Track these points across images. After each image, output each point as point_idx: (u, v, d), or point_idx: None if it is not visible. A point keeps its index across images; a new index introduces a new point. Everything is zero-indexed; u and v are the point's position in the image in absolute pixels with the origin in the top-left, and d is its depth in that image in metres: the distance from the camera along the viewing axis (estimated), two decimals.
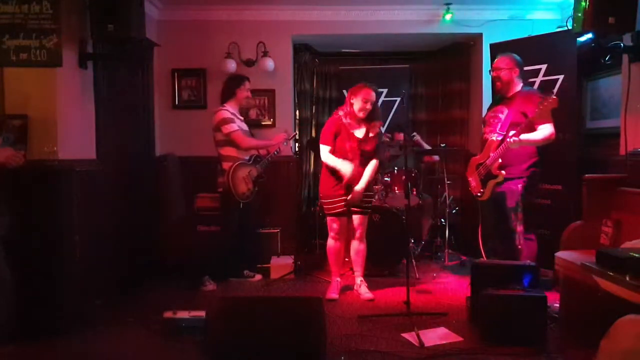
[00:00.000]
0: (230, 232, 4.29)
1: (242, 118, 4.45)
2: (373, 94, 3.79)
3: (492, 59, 4.75)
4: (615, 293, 2.13)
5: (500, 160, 3.63)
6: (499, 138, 3.65)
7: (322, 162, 3.95)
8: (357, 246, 4.01)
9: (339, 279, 4.05)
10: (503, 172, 3.64)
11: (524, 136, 3.49)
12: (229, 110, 4.27)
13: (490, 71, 3.85)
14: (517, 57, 3.78)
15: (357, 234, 3.98)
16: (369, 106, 3.76)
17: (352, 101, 3.80)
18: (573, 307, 3.11)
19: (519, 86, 3.75)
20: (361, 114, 3.78)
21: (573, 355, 2.81)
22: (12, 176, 2.86)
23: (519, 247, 3.66)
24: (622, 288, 1.98)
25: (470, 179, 3.92)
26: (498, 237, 3.84)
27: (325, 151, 3.88)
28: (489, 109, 3.94)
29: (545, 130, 3.54)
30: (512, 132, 3.54)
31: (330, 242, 3.99)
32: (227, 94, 4.35)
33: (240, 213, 4.29)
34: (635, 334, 1.73)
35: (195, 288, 4.14)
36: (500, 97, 3.86)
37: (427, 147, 5.34)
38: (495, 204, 3.76)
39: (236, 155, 4.23)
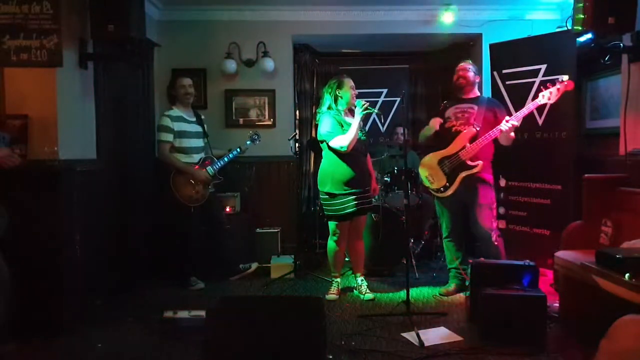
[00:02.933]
0: (183, 234, 4.21)
1: (193, 119, 4.32)
2: (352, 84, 3.85)
3: (492, 59, 4.79)
4: (615, 293, 2.13)
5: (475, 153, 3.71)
6: (477, 129, 3.71)
7: (325, 157, 3.84)
8: (357, 246, 3.99)
9: (339, 279, 4.05)
10: (480, 162, 3.69)
11: (513, 122, 3.61)
12: (173, 114, 4.17)
13: (455, 72, 3.95)
14: (473, 65, 3.99)
15: (359, 234, 3.97)
16: (355, 93, 3.81)
17: (339, 95, 3.77)
18: (573, 307, 3.12)
19: (477, 92, 3.96)
20: (358, 100, 3.73)
21: (573, 355, 2.81)
22: (12, 176, 2.86)
23: (496, 243, 3.74)
24: (622, 288, 1.99)
25: (427, 174, 3.93)
26: (476, 235, 3.89)
27: (334, 139, 3.70)
28: (446, 107, 3.97)
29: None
30: (507, 118, 3.65)
31: (332, 244, 3.90)
32: (170, 96, 4.34)
33: (201, 216, 4.25)
34: (635, 334, 1.74)
35: (185, 288, 4.16)
36: (458, 97, 3.94)
37: None
38: (462, 200, 3.80)
39: (181, 158, 4.15)
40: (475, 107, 3.82)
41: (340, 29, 5.27)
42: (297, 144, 4.83)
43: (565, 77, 3.60)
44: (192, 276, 4.24)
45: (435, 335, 3.12)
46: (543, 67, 4.40)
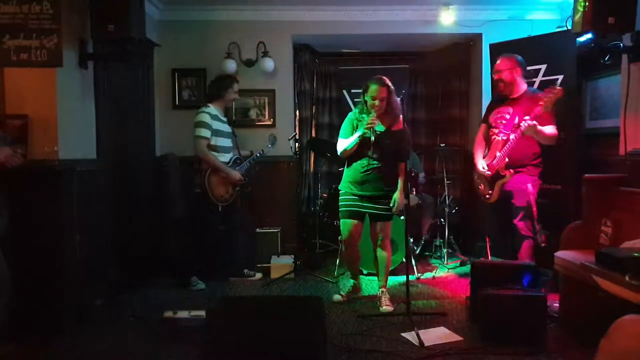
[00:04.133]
0: (205, 233, 4.24)
1: (225, 119, 4.41)
2: (381, 90, 3.60)
3: (492, 59, 4.76)
4: (615, 293, 2.13)
5: (507, 160, 3.67)
6: (504, 138, 3.68)
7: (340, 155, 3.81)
8: (376, 253, 3.82)
9: (352, 282, 3.94)
10: (511, 170, 3.68)
11: (538, 126, 3.52)
12: (211, 112, 4.22)
13: (492, 73, 3.84)
14: (519, 57, 3.78)
15: (377, 241, 3.79)
16: (377, 103, 3.59)
17: (365, 98, 3.68)
18: (573, 307, 3.12)
19: (523, 87, 3.78)
20: (373, 111, 3.60)
21: (573, 355, 2.81)
22: (12, 176, 2.86)
23: (542, 244, 3.72)
24: (622, 288, 1.99)
25: (479, 181, 3.93)
26: (513, 236, 3.82)
27: (340, 142, 3.73)
28: (490, 110, 3.93)
29: (551, 129, 3.61)
30: (526, 117, 3.55)
31: (341, 244, 3.82)
32: (214, 94, 4.34)
33: (223, 216, 4.28)
34: (635, 334, 1.73)
35: (185, 288, 4.17)
36: (502, 97, 3.86)
37: (420, 168, 5.29)
38: (504, 204, 3.79)
39: (215, 157, 4.18)
40: (511, 110, 3.72)
41: (340, 29, 5.27)
42: (297, 144, 4.83)
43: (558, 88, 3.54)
44: (194, 276, 4.24)
45: (435, 335, 3.12)
46: (543, 67, 4.39)
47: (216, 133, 4.21)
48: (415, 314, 3.38)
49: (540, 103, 3.49)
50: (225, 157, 4.27)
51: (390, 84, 3.67)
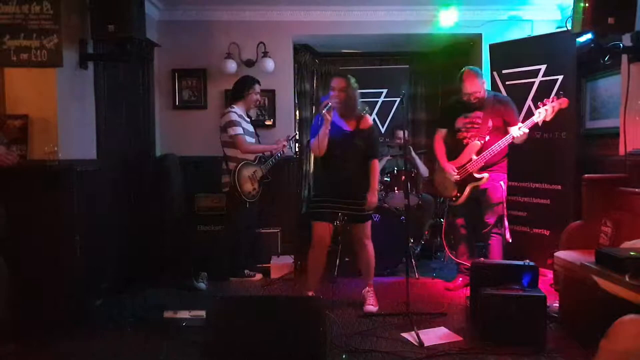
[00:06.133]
0: (236, 231, 4.34)
1: (249, 120, 4.48)
2: (338, 80, 3.52)
3: (492, 59, 4.79)
4: (615, 293, 2.13)
5: (482, 163, 3.79)
6: (482, 142, 3.78)
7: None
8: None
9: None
10: (486, 174, 3.80)
11: (524, 129, 3.67)
12: (237, 112, 4.29)
13: (464, 95, 3.82)
14: (476, 69, 3.91)
15: (357, 241, 3.74)
16: (335, 93, 3.49)
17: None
18: (573, 307, 3.12)
19: (484, 94, 3.90)
20: (335, 104, 3.49)
21: (572, 355, 2.81)
22: (12, 176, 2.86)
23: (509, 240, 3.86)
24: (622, 288, 1.98)
25: (446, 183, 4.00)
26: (482, 235, 3.97)
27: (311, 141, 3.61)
28: (454, 117, 3.97)
29: (521, 131, 3.72)
30: (520, 125, 3.70)
31: (372, 247, 3.71)
32: (237, 95, 4.40)
33: (246, 213, 4.32)
34: (635, 334, 1.74)
35: (188, 282, 4.17)
36: (464, 103, 3.89)
37: (422, 167, 5.29)
38: (473, 204, 3.90)
39: (242, 156, 4.26)
40: (481, 115, 3.82)
41: (340, 29, 5.27)
42: (297, 144, 4.83)
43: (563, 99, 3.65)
44: (198, 274, 4.25)
45: (435, 335, 3.12)
46: (543, 67, 4.40)
47: (244, 132, 4.28)
48: (415, 314, 3.38)
49: (540, 111, 3.61)
50: (250, 156, 4.34)
51: (351, 79, 3.56)
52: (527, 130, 3.67)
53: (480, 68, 5.19)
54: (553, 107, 3.59)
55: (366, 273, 3.77)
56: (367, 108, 3.84)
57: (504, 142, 3.73)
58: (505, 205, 3.85)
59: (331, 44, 5.87)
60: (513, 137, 3.70)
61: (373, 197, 3.55)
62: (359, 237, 3.69)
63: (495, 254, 3.87)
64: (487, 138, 3.78)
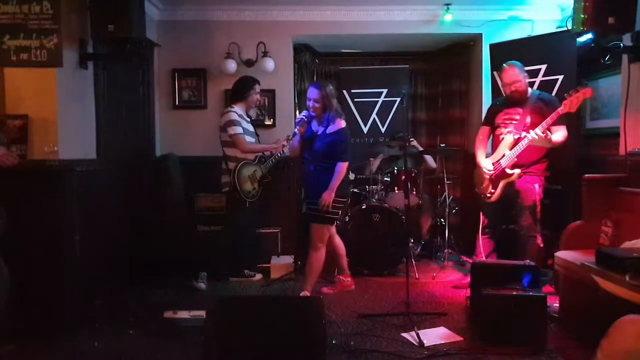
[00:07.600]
0: (235, 231, 4.33)
1: (249, 119, 4.47)
2: (314, 92, 3.69)
3: (492, 59, 4.78)
4: (615, 293, 2.13)
5: (515, 159, 3.72)
6: (516, 137, 3.73)
7: None
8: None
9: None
10: (518, 170, 3.73)
11: (549, 134, 3.58)
12: (237, 111, 4.29)
13: (504, 87, 3.88)
14: (518, 63, 3.84)
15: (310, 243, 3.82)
16: (311, 104, 3.71)
17: None
18: (573, 307, 3.12)
19: (529, 89, 3.85)
20: (313, 114, 3.75)
21: (573, 355, 2.81)
22: (12, 176, 2.86)
23: (541, 245, 3.76)
24: (622, 288, 1.98)
25: (481, 180, 3.96)
26: (519, 238, 3.89)
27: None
28: (496, 113, 3.97)
29: (563, 132, 3.66)
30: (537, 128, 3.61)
31: (322, 253, 3.80)
32: (237, 95, 4.39)
33: (246, 213, 4.32)
34: (635, 334, 1.74)
35: (188, 282, 4.18)
36: (506, 99, 3.90)
37: (429, 159, 5.29)
38: (506, 203, 3.83)
39: (241, 156, 4.26)
40: (521, 111, 3.79)
41: (340, 29, 5.27)
42: None
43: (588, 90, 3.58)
44: (198, 274, 4.25)
45: (435, 335, 3.12)
46: (543, 67, 4.40)
47: (244, 132, 4.28)
48: (415, 314, 3.38)
49: (565, 103, 3.51)
50: (250, 156, 4.34)
51: (327, 86, 3.77)
52: (540, 135, 3.56)
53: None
54: (577, 97, 3.50)
55: (305, 277, 3.82)
56: (342, 114, 3.82)
57: (524, 143, 3.68)
58: (539, 208, 3.77)
59: (331, 43, 5.87)
60: (529, 138, 3.62)
61: (326, 196, 3.58)
62: (312, 238, 3.74)
63: (530, 257, 3.67)
64: (523, 134, 3.70)
